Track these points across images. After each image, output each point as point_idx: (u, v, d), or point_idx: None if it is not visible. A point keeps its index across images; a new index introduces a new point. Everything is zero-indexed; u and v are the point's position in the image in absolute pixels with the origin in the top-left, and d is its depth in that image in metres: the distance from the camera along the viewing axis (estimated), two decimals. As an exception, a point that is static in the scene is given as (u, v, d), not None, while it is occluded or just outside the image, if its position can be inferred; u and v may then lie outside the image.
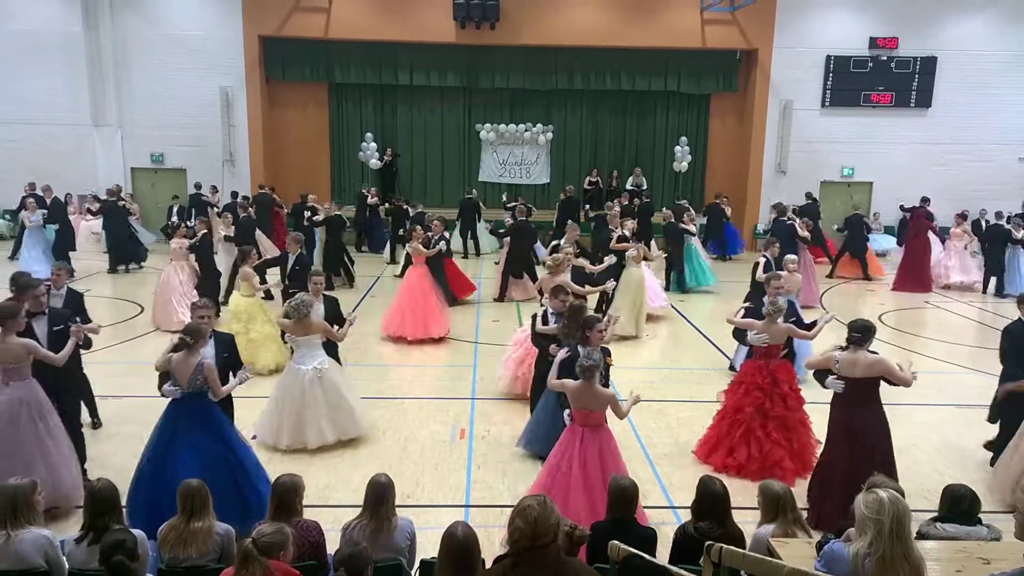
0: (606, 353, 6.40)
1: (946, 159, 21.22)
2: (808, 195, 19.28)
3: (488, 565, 3.48)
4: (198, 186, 19.91)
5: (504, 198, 20.13)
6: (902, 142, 21.24)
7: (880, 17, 20.89)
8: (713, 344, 11.76)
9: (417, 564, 4.57)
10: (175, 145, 21.02)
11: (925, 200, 19.10)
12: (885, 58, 21.04)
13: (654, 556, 4.14)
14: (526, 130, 22.06)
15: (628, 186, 21.45)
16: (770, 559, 3.74)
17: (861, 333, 6.05)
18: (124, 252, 16.95)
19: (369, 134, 21.51)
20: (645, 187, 21.62)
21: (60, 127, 20.08)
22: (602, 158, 22.59)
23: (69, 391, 6.89)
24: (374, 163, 21.19)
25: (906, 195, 20.05)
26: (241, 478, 5.88)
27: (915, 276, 16.37)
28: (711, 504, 4.52)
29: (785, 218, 15.36)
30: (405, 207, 17.93)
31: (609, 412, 5.93)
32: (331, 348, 8.14)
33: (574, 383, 5.83)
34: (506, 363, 9.24)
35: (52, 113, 19.98)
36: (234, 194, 18.77)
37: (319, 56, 21.20)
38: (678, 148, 21.57)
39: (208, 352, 6.15)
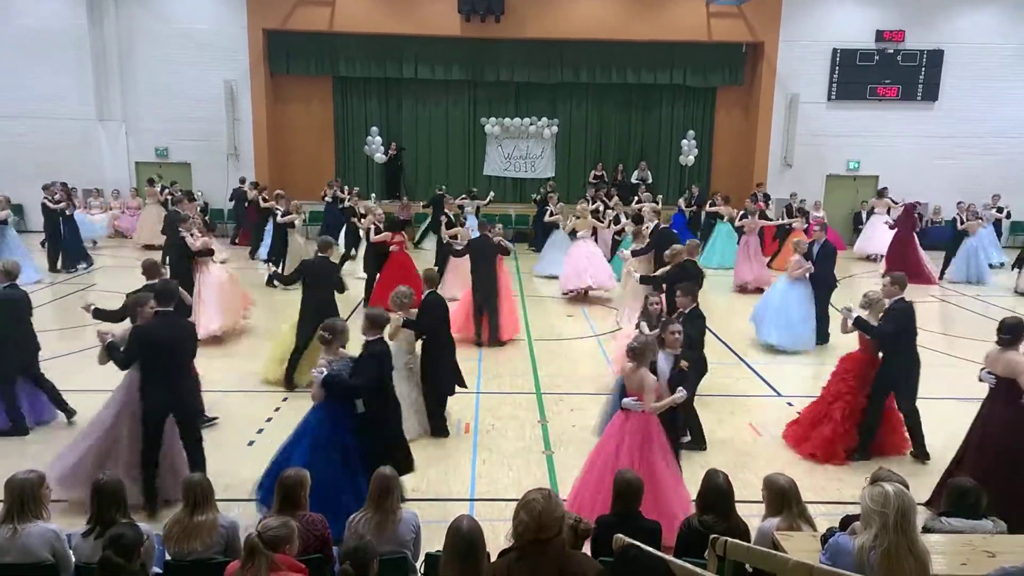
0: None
1: (953, 152, 21.13)
2: (759, 185, 20.10)
3: (493, 559, 3.49)
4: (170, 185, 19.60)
5: (476, 191, 19.65)
6: (908, 135, 21.15)
7: (886, 10, 20.79)
8: (719, 339, 11.74)
9: (422, 557, 4.58)
10: (180, 139, 21.04)
11: (884, 189, 19.76)
12: (891, 51, 20.93)
13: (659, 550, 4.14)
14: (531, 124, 22.03)
15: (633, 179, 21.44)
16: (775, 552, 3.74)
17: (1010, 334, 6.08)
18: (58, 254, 16.12)
19: (374, 128, 21.49)
20: (650, 180, 21.61)
21: (65, 121, 20.11)
22: (607, 152, 22.56)
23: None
24: (379, 157, 21.18)
25: (912, 189, 19.96)
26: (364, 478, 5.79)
27: (907, 269, 16.43)
28: (715, 497, 4.52)
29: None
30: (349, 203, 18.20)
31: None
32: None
33: (628, 364, 5.99)
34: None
35: (57, 107, 20.01)
36: (172, 183, 19.24)
37: (323, 50, 21.20)
38: (684, 141, 21.52)
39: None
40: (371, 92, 22.22)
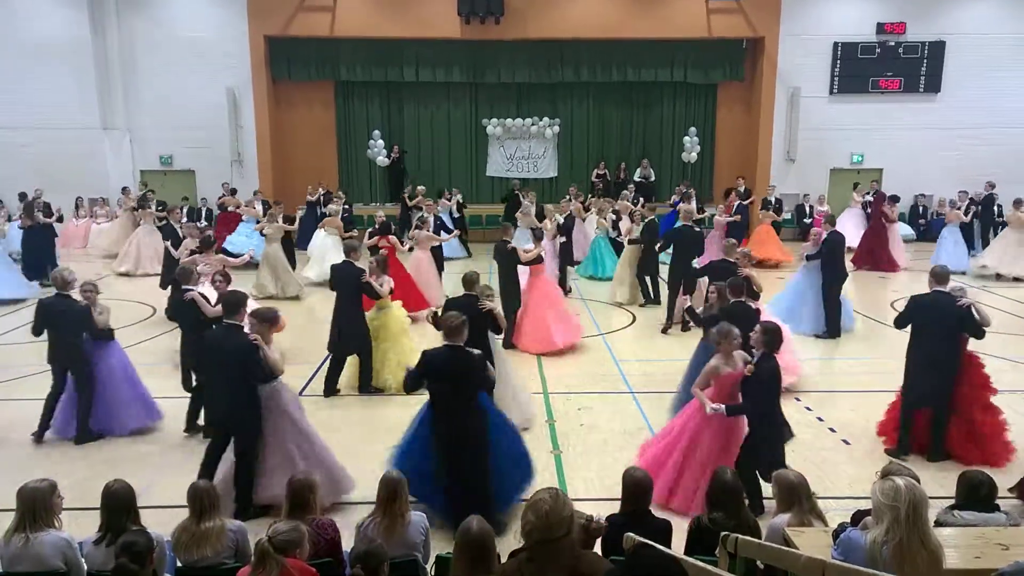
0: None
1: (956, 144, 21.07)
2: (740, 178, 19.95)
3: (503, 560, 3.49)
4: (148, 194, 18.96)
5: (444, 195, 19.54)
6: (911, 128, 21.09)
7: (887, 2, 20.74)
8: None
9: (432, 559, 4.58)
10: (183, 147, 21.09)
11: (858, 184, 20.01)
12: (893, 43, 20.89)
13: (669, 547, 4.13)
14: (533, 124, 22.03)
15: (636, 178, 21.42)
16: (786, 548, 3.73)
17: None
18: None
19: (376, 131, 21.51)
20: (653, 179, 21.59)
21: (69, 131, 20.14)
22: (609, 150, 22.53)
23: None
24: (381, 160, 21.20)
25: (916, 181, 19.93)
26: (505, 465, 6.06)
27: (875, 257, 16.88)
28: (724, 495, 4.51)
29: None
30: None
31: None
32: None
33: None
34: None
35: (61, 117, 20.04)
36: (124, 189, 19.53)
37: (325, 55, 21.22)
38: (687, 138, 21.48)
39: None
40: (373, 96, 22.23)
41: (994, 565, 3.40)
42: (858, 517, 4.07)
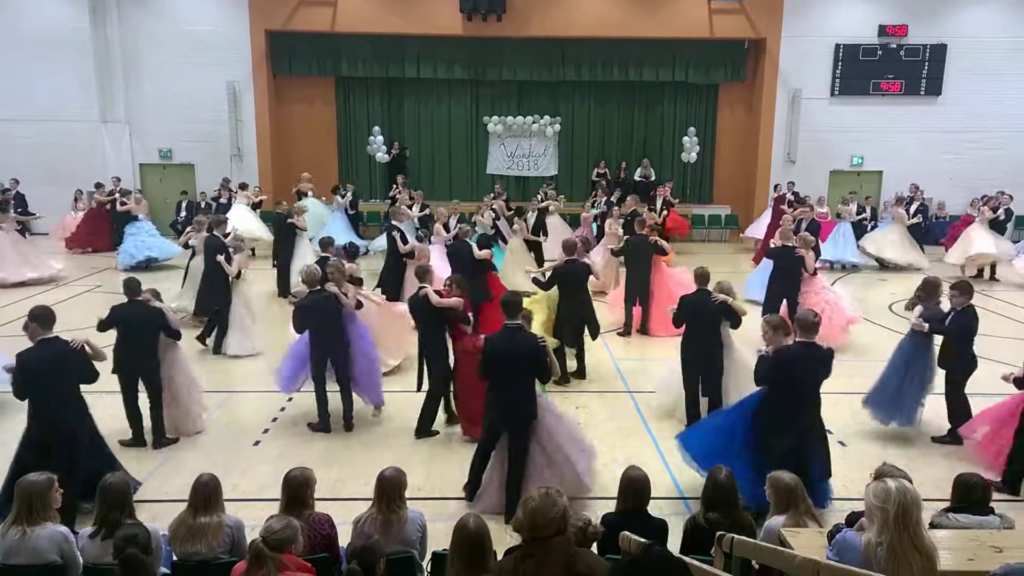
0: None
1: (957, 147, 21.05)
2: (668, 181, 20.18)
3: (500, 557, 3.50)
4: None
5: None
6: (912, 130, 21.07)
7: (889, 4, 20.73)
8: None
9: (428, 556, 4.59)
10: (183, 141, 21.07)
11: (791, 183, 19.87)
12: (894, 46, 20.88)
13: (665, 546, 4.15)
14: (534, 122, 22.02)
15: (636, 177, 21.42)
16: (782, 549, 3.74)
17: None
18: None
19: (377, 127, 21.49)
20: (653, 178, 21.59)
21: (69, 124, 20.13)
22: (610, 149, 22.51)
23: None
24: (381, 156, 21.19)
25: (916, 183, 19.91)
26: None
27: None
28: (718, 494, 4.52)
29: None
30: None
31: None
32: None
33: None
34: None
35: (61, 110, 20.03)
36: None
37: (326, 50, 21.21)
38: (686, 139, 21.47)
39: None
40: (373, 92, 22.22)
41: (987, 567, 3.41)
42: (853, 519, 4.09)
